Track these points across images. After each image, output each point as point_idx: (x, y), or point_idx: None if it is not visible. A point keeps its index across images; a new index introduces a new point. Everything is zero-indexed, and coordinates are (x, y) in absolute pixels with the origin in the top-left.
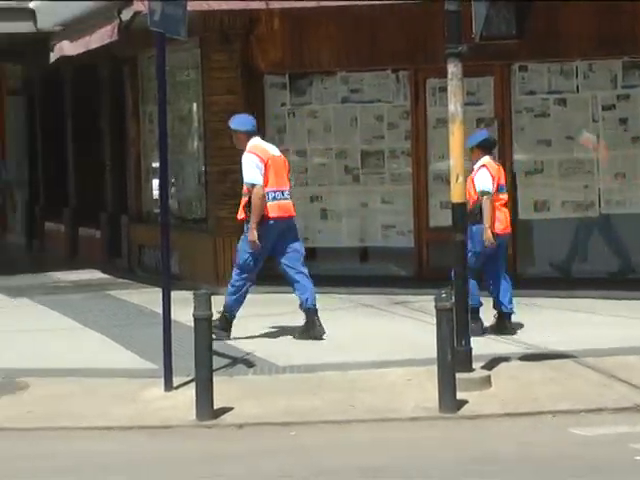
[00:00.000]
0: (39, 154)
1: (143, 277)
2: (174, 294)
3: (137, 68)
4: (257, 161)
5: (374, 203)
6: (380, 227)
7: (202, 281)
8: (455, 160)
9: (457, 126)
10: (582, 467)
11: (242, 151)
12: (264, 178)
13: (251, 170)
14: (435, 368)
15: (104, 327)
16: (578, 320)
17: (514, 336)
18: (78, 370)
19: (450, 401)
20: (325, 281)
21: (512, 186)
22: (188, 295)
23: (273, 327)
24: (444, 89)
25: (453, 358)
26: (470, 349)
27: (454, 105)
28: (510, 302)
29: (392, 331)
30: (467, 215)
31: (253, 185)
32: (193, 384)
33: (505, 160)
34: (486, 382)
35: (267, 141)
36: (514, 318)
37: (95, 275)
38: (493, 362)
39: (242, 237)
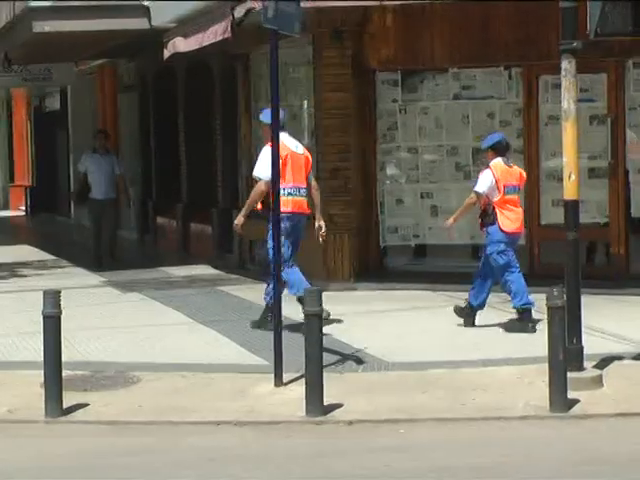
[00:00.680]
0: (152, 150)
1: (254, 273)
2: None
3: (249, 65)
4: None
5: None
6: None
7: (312, 277)
8: (568, 157)
9: (570, 123)
10: None
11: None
12: (281, 173)
13: (263, 163)
14: (546, 366)
15: (214, 322)
16: None
17: (627, 335)
18: (188, 365)
19: (561, 400)
20: (435, 278)
21: (625, 184)
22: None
23: (384, 324)
24: (557, 86)
25: (564, 357)
26: (581, 347)
27: (567, 102)
28: (527, 296)
29: (503, 329)
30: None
31: (259, 178)
32: (303, 380)
33: (618, 158)
34: (597, 381)
35: (378, 138)
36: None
37: (206, 270)
38: (605, 361)
39: (266, 233)
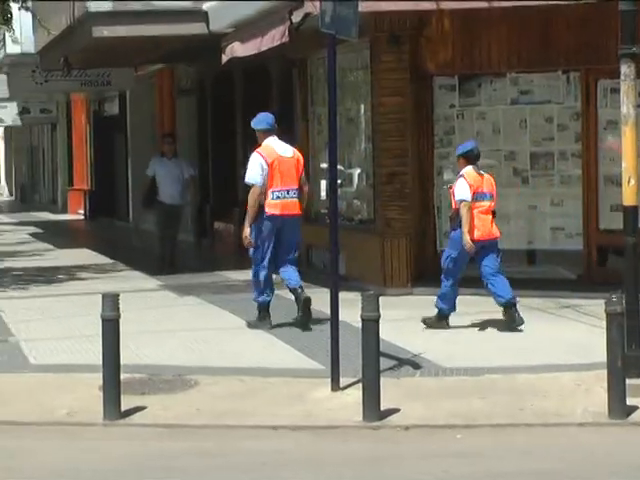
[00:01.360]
0: (209, 154)
1: (311, 277)
2: (341, 294)
3: (307, 69)
4: (261, 161)
5: (543, 205)
6: (549, 229)
7: (369, 282)
8: (627, 162)
9: (629, 128)
10: None
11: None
12: (268, 178)
13: (252, 170)
14: (604, 373)
15: (272, 327)
16: None
17: None
18: (246, 369)
19: (620, 407)
20: None
21: None
22: (354, 296)
23: (443, 329)
24: (616, 90)
25: (623, 363)
26: None
27: (626, 107)
28: (511, 290)
29: (560, 334)
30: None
31: (252, 184)
32: (360, 385)
33: None
34: None
35: (436, 142)
36: None
37: None
38: None
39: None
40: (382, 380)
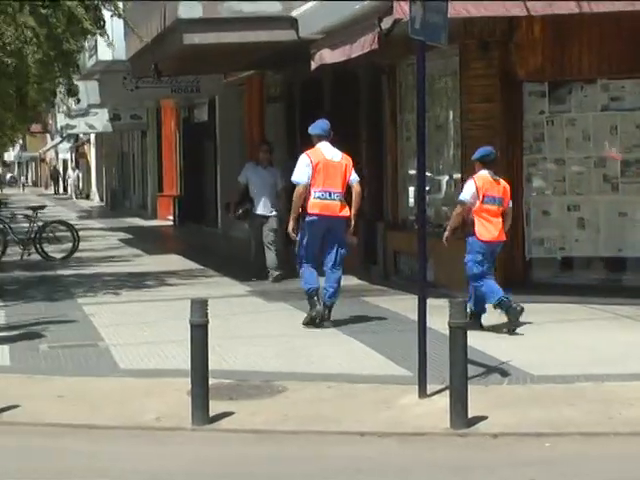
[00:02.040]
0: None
1: (398, 284)
2: (429, 301)
3: (396, 75)
4: (307, 162)
5: (633, 213)
6: (639, 237)
7: (456, 289)
8: None
9: None
10: None
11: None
12: (312, 179)
13: (298, 170)
14: None
15: (359, 333)
16: None
17: None
18: (333, 375)
19: None
20: (581, 291)
21: None
22: (442, 302)
23: (529, 336)
24: None
25: None
26: None
27: None
28: (501, 293)
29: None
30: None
31: (297, 183)
32: (447, 392)
33: None
34: None
35: (525, 149)
36: None
37: (351, 281)
38: None
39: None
40: (469, 387)
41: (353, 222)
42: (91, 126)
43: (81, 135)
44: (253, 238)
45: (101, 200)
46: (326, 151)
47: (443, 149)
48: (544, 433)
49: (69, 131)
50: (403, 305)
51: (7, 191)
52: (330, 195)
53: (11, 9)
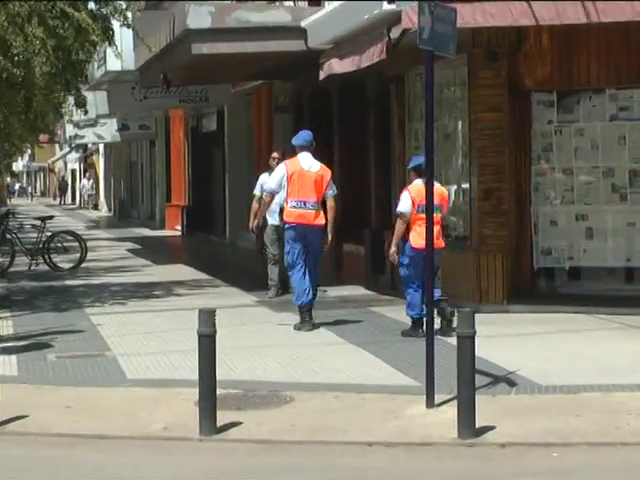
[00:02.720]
0: None
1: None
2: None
3: (404, 85)
4: (282, 172)
5: None
6: None
7: (464, 298)
8: None
9: None
10: None
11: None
12: (287, 188)
13: (272, 178)
14: None
15: (366, 343)
16: None
17: None
18: (341, 385)
19: None
20: (589, 301)
21: None
22: None
23: (537, 346)
24: None
25: None
26: None
27: None
28: (420, 309)
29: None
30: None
31: (269, 192)
32: (455, 402)
33: None
34: None
35: (533, 158)
36: None
37: (358, 291)
38: None
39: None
40: (477, 397)
41: (330, 235)
42: (100, 136)
43: (90, 145)
44: (273, 250)
45: (109, 210)
46: (304, 162)
47: (451, 159)
48: (551, 443)
49: (78, 141)
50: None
51: (15, 201)
52: (305, 204)
53: (20, 20)
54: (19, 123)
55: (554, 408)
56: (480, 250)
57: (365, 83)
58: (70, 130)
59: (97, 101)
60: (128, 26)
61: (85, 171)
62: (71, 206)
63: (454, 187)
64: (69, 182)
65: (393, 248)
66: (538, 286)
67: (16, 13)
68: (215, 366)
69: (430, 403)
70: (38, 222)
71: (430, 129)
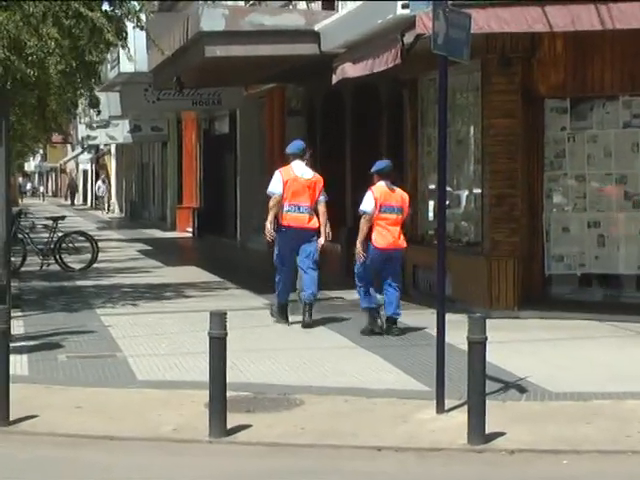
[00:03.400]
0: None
1: (416, 298)
2: (447, 316)
3: (417, 90)
4: (279, 178)
5: None
6: None
7: (475, 304)
8: None
9: None
10: None
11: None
12: (283, 193)
13: (272, 183)
14: None
15: (376, 347)
16: None
17: None
18: (351, 389)
19: None
20: (600, 308)
21: None
22: (460, 318)
23: (548, 353)
24: None
25: None
26: None
27: None
28: (396, 307)
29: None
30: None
31: (272, 194)
32: (465, 407)
33: None
34: None
35: (546, 165)
36: None
37: None
38: None
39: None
40: (487, 403)
41: (323, 236)
42: (112, 137)
43: (102, 146)
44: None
45: (120, 211)
46: (297, 169)
47: (463, 164)
48: (561, 450)
49: (90, 142)
50: (421, 319)
51: (27, 201)
52: (299, 209)
53: (34, 20)
54: (32, 123)
55: (564, 415)
56: (491, 256)
57: (378, 87)
58: (82, 131)
59: (110, 102)
60: (141, 28)
61: (97, 172)
62: (84, 206)
63: (466, 192)
64: (80, 183)
65: (358, 246)
66: (549, 292)
67: (31, 13)
68: (225, 368)
69: (440, 408)
70: (50, 222)
71: (443, 134)
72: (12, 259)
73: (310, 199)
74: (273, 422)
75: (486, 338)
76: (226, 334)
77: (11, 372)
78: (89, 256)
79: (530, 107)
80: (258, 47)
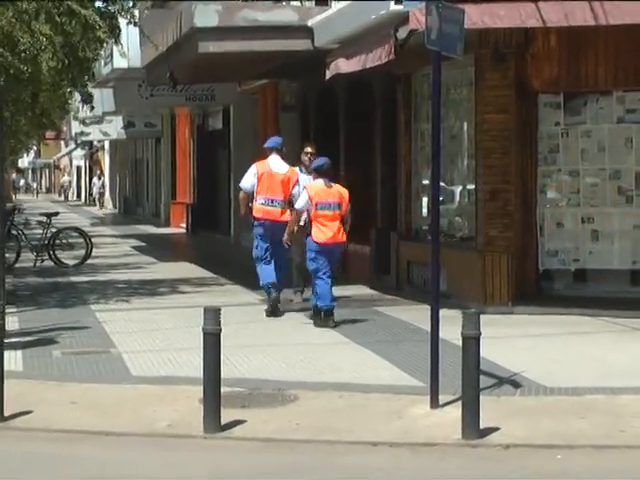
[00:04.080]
0: None
1: (411, 294)
2: (441, 312)
3: (411, 85)
4: (254, 172)
5: None
6: None
7: (469, 299)
8: None
9: None
10: None
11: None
12: (257, 187)
13: (245, 177)
14: None
15: (371, 343)
16: None
17: None
18: (345, 385)
19: None
20: (594, 303)
21: None
22: (455, 313)
23: (542, 348)
24: None
25: None
26: None
27: None
28: (330, 299)
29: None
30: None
31: (241, 188)
32: (459, 402)
33: None
34: None
35: (539, 160)
36: None
37: (363, 291)
38: None
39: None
40: (481, 398)
41: (288, 230)
42: (105, 133)
43: (95, 142)
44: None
45: (114, 207)
46: (273, 164)
47: (457, 159)
48: (556, 445)
49: (83, 138)
50: (415, 315)
51: (20, 197)
52: (272, 202)
53: (27, 16)
54: (26, 119)
55: (559, 410)
56: (485, 251)
57: (371, 83)
58: (76, 127)
59: (103, 98)
60: (135, 24)
61: (91, 168)
62: (77, 203)
63: (460, 188)
64: (74, 179)
65: (286, 236)
66: (543, 288)
67: (24, 10)
68: (220, 364)
69: (434, 404)
70: (44, 218)
71: (437, 130)
72: (6, 255)
73: (284, 193)
74: (268, 418)
75: (480, 333)
76: (220, 330)
77: (5, 368)
78: (83, 252)
79: (524, 102)
80: (251, 43)
